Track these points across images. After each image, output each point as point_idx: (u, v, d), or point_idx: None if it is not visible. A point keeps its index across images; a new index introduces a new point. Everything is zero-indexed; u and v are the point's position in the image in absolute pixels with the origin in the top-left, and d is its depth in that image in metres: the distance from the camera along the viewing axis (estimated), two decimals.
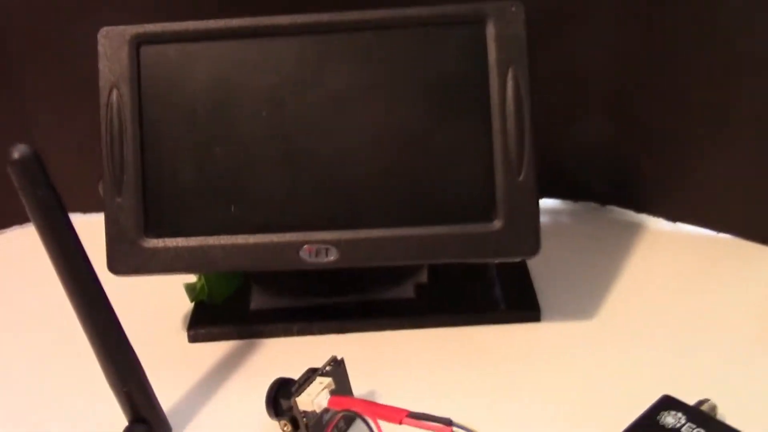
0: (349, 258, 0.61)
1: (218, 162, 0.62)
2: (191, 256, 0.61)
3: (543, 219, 0.75)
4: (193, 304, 0.69)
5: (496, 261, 0.69)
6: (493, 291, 0.69)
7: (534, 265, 0.70)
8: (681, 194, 0.75)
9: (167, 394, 0.59)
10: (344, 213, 0.61)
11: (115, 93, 0.61)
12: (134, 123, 0.61)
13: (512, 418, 0.55)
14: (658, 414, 0.50)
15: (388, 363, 0.62)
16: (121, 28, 0.61)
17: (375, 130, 0.61)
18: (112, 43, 0.61)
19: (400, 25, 0.61)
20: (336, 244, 0.61)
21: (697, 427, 0.48)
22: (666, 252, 0.73)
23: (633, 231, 0.76)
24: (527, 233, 0.60)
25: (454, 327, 0.65)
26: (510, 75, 0.60)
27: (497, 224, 0.60)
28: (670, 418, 0.49)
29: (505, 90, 0.60)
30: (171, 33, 0.62)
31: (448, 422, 0.47)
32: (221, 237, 0.61)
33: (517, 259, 0.64)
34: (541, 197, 0.80)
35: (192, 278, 0.69)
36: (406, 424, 0.49)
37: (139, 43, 0.61)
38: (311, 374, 0.55)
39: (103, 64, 0.62)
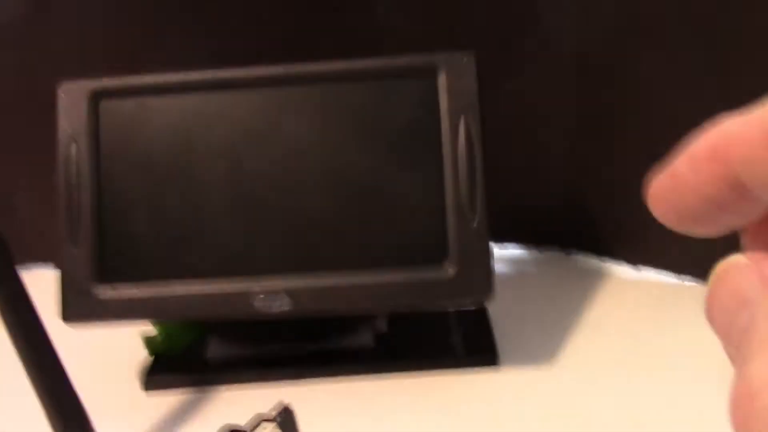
0: (301, 307, 0.61)
1: (174, 212, 0.62)
2: (144, 305, 0.62)
3: (506, 267, 0.76)
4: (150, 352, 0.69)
5: (450, 308, 0.70)
6: (452, 337, 0.69)
7: (494, 312, 0.71)
8: (643, 240, 0.76)
9: None
10: (298, 260, 0.62)
11: (73, 146, 0.62)
12: (92, 175, 0.62)
13: None
14: None
15: (344, 411, 0.62)
16: (80, 83, 0.63)
17: (330, 179, 0.62)
18: (71, 98, 0.63)
19: (355, 77, 0.62)
20: (289, 292, 0.61)
21: None
22: (627, 297, 0.73)
23: (596, 277, 0.76)
24: (480, 277, 0.61)
25: (413, 374, 0.65)
26: (462, 123, 0.61)
27: (450, 270, 0.61)
28: None
29: (457, 138, 0.61)
30: (129, 87, 0.63)
31: None
32: (175, 286, 0.62)
33: (471, 305, 0.65)
34: (505, 245, 0.81)
35: (149, 327, 0.70)
36: None
37: (98, 97, 0.63)
38: (259, 420, 0.55)
39: (62, 119, 0.63)
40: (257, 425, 0.55)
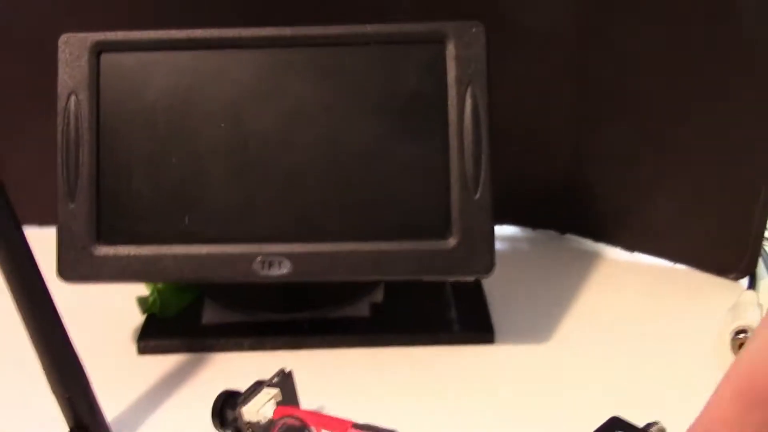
0: (301, 271, 0.61)
1: (174, 172, 0.61)
2: (142, 264, 0.61)
3: (502, 245, 0.76)
4: (144, 316, 0.69)
5: (451, 279, 0.69)
6: (448, 312, 0.68)
7: (490, 288, 0.70)
8: (639, 225, 0.76)
9: (113, 404, 0.58)
10: (299, 226, 0.61)
11: (73, 99, 0.61)
12: (91, 130, 0.61)
13: None
14: None
15: (339, 380, 0.62)
16: (82, 35, 0.61)
17: (333, 145, 0.61)
18: (72, 50, 0.61)
19: (361, 42, 0.61)
20: (289, 256, 0.60)
21: None
22: (622, 280, 0.73)
23: (590, 259, 0.76)
24: (482, 251, 0.60)
25: (408, 347, 0.65)
26: (468, 94, 0.60)
27: (452, 242, 0.60)
28: None
29: (463, 109, 0.60)
30: (132, 42, 0.62)
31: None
32: (174, 247, 0.61)
33: (471, 278, 0.64)
34: (502, 224, 0.80)
35: (145, 291, 0.69)
36: None
37: (99, 50, 0.61)
38: (258, 386, 0.54)
39: (62, 71, 0.61)
40: (255, 390, 0.54)
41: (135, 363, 0.65)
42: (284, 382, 0.55)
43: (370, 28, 0.61)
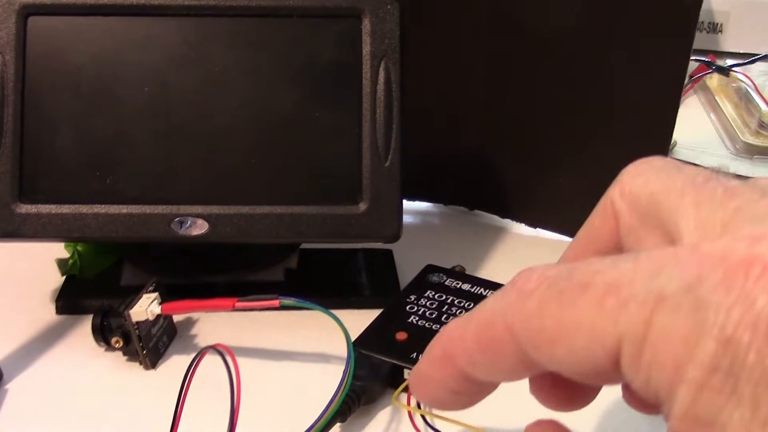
0: (218, 232, 0.63)
1: (98, 133, 0.63)
2: (63, 223, 0.63)
3: (414, 219, 0.80)
4: (64, 278, 0.70)
5: (360, 244, 0.73)
6: (360, 277, 0.72)
7: (400, 259, 0.74)
8: (542, 202, 0.80)
9: (13, 350, 0.63)
10: (217, 189, 0.64)
11: None
12: (16, 90, 0.63)
13: None
14: (426, 276, 0.68)
15: (250, 340, 0.64)
16: None
17: (252, 112, 0.64)
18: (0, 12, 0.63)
19: (282, 14, 0.64)
20: (207, 218, 0.63)
21: (455, 280, 0.67)
22: (524, 253, 0.77)
23: (496, 233, 0.80)
24: (390, 217, 0.64)
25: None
26: (382, 67, 0.64)
27: (362, 206, 0.64)
28: (435, 278, 0.68)
29: (377, 81, 0.64)
30: (59, 5, 0.63)
31: (276, 297, 0.54)
32: (95, 207, 0.63)
33: (380, 242, 0.68)
34: (415, 200, 0.84)
35: (65, 253, 0.70)
36: (238, 308, 0.55)
37: (27, 13, 0.63)
38: (134, 296, 0.60)
39: None
40: (135, 298, 0.60)
41: (53, 322, 0.67)
42: (160, 289, 0.61)
43: (291, 2, 0.64)
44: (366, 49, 0.64)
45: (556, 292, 0.27)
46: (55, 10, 0.63)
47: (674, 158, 0.63)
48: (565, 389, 0.34)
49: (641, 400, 0.27)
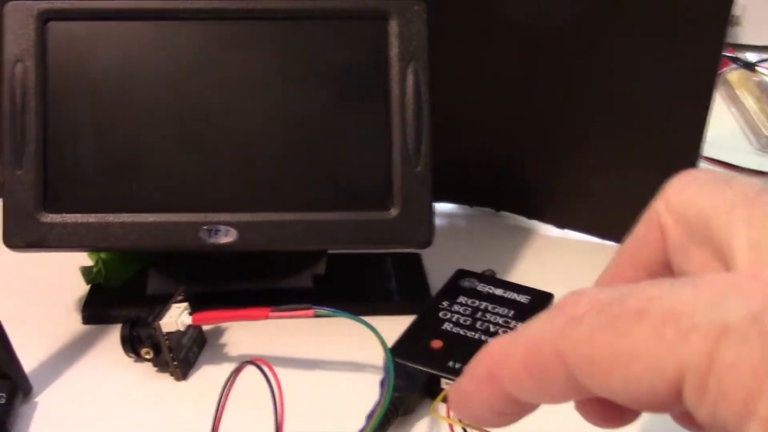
0: (246, 240, 0.62)
1: (121, 140, 0.62)
2: (89, 232, 0.62)
3: (441, 221, 0.78)
4: (89, 287, 0.69)
5: (391, 250, 0.72)
6: (388, 283, 0.71)
7: (428, 262, 0.73)
8: (570, 203, 0.79)
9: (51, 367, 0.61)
10: (245, 196, 0.63)
11: (19, 66, 0.61)
12: (38, 97, 0.61)
13: None
14: (457, 281, 0.67)
15: (281, 349, 0.63)
16: (28, 3, 0.62)
17: (278, 117, 0.63)
18: (18, 18, 0.62)
19: (307, 16, 0.63)
20: (235, 225, 0.62)
21: (487, 285, 0.67)
22: (553, 255, 0.76)
23: (524, 235, 0.79)
24: (422, 223, 0.63)
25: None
26: (410, 69, 0.63)
27: (393, 212, 0.62)
28: (466, 283, 0.67)
29: (405, 83, 0.63)
30: (79, 10, 0.62)
31: (310, 307, 0.53)
32: (120, 215, 0.62)
33: (411, 248, 0.66)
34: (441, 202, 0.83)
35: (90, 262, 0.69)
36: (272, 317, 0.54)
37: (46, 19, 0.62)
38: (163, 306, 0.59)
39: (8, 39, 0.62)
40: (163, 309, 0.59)
41: (79, 332, 0.66)
42: (189, 299, 0.60)
43: (315, 4, 0.63)
44: (393, 51, 0.63)
45: (610, 319, 0.27)
46: (75, 15, 0.62)
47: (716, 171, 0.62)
48: (613, 409, 0.33)
49: (698, 424, 0.26)
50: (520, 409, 0.31)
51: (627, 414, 0.33)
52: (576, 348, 0.27)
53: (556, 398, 0.30)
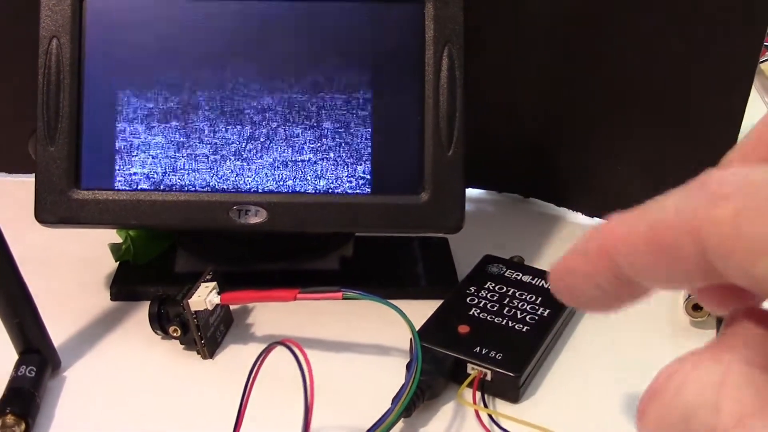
0: (277, 221, 0.62)
1: (154, 118, 0.62)
2: (120, 210, 0.62)
3: (468, 206, 0.78)
4: (117, 264, 0.70)
5: (421, 234, 0.71)
6: (416, 267, 0.70)
7: (455, 247, 0.72)
8: (600, 191, 0.78)
9: (69, 337, 0.62)
10: (276, 177, 0.62)
11: (54, 42, 0.61)
12: (73, 74, 0.62)
13: None
14: (485, 267, 0.68)
15: (305, 331, 0.63)
16: None
17: (310, 98, 0.63)
18: None
19: None
20: (265, 206, 0.62)
21: (515, 271, 0.67)
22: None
23: (553, 222, 0.79)
24: (453, 208, 0.62)
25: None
26: (445, 53, 0.62)
27: (424, 197, 0.62)
28: (494, 269, 0.67)
29: (440, 67, 0.62)
30: None
31: (338, 290, 0.54)
32: (152, 193, 0.62)
33: (442, 233, 0.66)
34: (469, 187, 0.82)
35: (118, 240, 0.70)
36: (300, 299, 0.54)
37: None
38: (192, 285, 0.59)
39: (44, 14, 0.62)
40: (192, 288, 0.59)
41: (105, 307, 0.66)
42: (217, 278, 0.60)
43: None
44: (429, 34, 0.62)
45: (762, 201, 0.25)
46: None
47: None
48: (735, 294, 0.31)
49: None
50: (627, 291, 0.29)
51: (748, 297, 0.31)
52: (717, 228, 0.25)
53: (677, 282, 0.27)
